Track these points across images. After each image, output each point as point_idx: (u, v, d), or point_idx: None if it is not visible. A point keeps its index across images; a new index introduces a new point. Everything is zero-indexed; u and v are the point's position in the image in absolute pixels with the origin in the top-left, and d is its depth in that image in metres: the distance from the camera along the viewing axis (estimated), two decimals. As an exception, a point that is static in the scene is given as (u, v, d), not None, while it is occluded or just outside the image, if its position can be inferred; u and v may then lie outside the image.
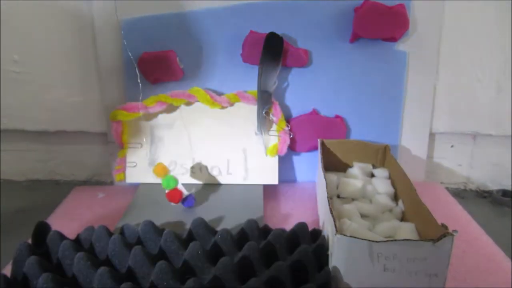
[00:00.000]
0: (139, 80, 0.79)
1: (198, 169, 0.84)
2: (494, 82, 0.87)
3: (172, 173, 0.75)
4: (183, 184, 0.76)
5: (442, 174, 0.97)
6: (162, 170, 0.74)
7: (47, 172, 1.02)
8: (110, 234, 0.60)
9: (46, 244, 0.59)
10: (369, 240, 0.47)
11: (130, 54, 0.80)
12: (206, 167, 0.84)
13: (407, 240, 0.47)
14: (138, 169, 0.84)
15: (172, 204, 0.75)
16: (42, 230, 0.61)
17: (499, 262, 0.62)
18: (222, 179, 0.84)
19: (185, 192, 0.75)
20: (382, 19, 0.79)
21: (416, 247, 0.46)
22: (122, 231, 0.63)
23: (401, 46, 0.84)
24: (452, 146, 0.95)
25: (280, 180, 0.84)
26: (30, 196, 0.96)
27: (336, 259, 0.49)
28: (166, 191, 0.74)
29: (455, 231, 0.46)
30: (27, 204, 0.92)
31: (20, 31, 0.88)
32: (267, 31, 0.80)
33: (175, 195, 0.74)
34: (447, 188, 0.92)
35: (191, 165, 0.84)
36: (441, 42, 0.85)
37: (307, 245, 0.53)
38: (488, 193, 0.96)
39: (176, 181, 0.74)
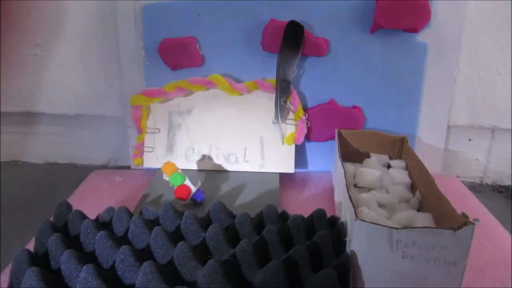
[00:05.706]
0: (145, 60, 0.79)
1: (215, 156, 0.85)
2: (515, 76, 0.87)
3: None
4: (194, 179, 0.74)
5: (458, 167, 0.97)
6: (170, 168, 0.72)
7: (65, 156, 1.04)
8: (130, 215, 0.61)
9: (66, 223, 0.60)
10: (389, 227, 0.47)
11: (141, 43, 0.81)
12: (223, 154, 0.85)
13: (427, 227, 0.47)
14: (156, 154, 0.85)
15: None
16: (63, 210, 0.63)
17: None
18: (239, 167, 0.85)
19: (193, 188, 0.73)
20: (404, 10, 0.78)
21: (436, 235, 0.46)
22: (141, 213, 0.64)
23: (422, 37, 0.83)
24: (469, 140, 0.94)
25: (295, 169, 0.84)
26: (49, 179, 0.98)
27: (355, 245, 0.50)
28: (174, 188, 0.72)
29: (476, 219, 0.46)
30: (45, 187, 0.93)
31: (42, 15, 0.89)
32: (288, 19, 0.80)
33: (183, 191, 0.72)
34: (462, 182, 0.91)
35: (208, 151, 0.85)
36: (462, 34, 0.84)
37: (326, 230, 0.54)
38: (504, 188, 0.95)
39: (183, 177, 0.72)
